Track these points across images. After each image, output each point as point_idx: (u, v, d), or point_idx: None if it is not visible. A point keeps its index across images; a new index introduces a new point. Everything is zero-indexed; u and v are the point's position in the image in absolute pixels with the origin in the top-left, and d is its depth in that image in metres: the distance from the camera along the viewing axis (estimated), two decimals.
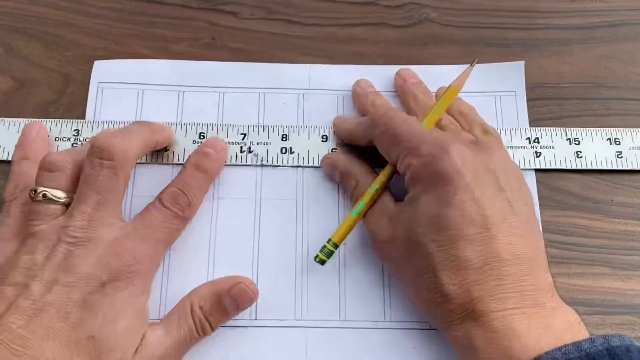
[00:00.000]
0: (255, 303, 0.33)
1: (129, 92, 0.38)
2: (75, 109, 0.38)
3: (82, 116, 0.38)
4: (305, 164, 0.36)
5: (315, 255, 0.33)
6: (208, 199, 0.36)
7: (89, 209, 0.30)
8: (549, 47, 0.41)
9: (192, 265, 0.34)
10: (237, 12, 0.42)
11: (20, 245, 0.30)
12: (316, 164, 0.37)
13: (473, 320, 0.27)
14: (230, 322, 0.33)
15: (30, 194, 0.31)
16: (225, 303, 0.32)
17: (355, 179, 0.34)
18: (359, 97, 0.38)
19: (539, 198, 0.36)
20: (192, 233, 0.35)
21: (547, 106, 0.39)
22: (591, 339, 0.25)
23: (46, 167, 0.31)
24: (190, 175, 0.34)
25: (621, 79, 0.40)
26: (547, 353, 0.25)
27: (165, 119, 0.37)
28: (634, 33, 0.41)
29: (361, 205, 0.33)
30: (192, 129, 0.37)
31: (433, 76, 0.39)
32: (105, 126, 0.37)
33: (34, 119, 0.37)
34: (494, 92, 0.39)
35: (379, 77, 0.39)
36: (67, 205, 0.31)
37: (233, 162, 0.36)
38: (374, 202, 0.33)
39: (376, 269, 0.34)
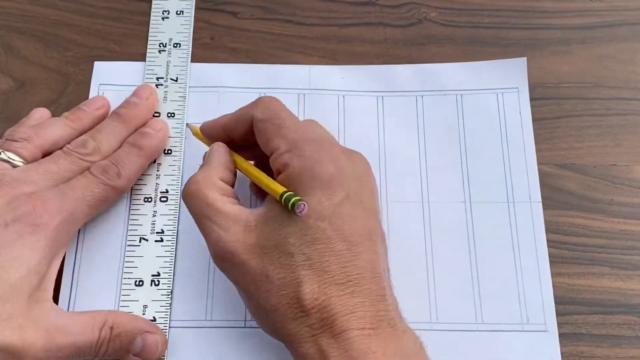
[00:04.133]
0: None
1: (130, 93, 0.38)
2: None
3: None
4: None
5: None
6: None
7: (35, 171, 0.32)
8: (549, 47, 0.41)
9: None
10: (237, 12, 0.42)
11: None
12: None
13: (330, 338, 0.26)
14: (231, 323, 0.33)
15: None
16: (133, 343, 0.30)
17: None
18: None
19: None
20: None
21: (547, 106, 0.39)
22: None
23: (14, 137, 0.33)
24: (124, 151, 0.34)
25: (621, 79, 0.40)
26: None
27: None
28: (634, 33, 0.41)
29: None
30: None
31: (432, 75, 0.39)
32: None
33: None
34: (495, 89, 0.39)
35: (378, 77, 0.39)
36: None
37: None
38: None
39: None
